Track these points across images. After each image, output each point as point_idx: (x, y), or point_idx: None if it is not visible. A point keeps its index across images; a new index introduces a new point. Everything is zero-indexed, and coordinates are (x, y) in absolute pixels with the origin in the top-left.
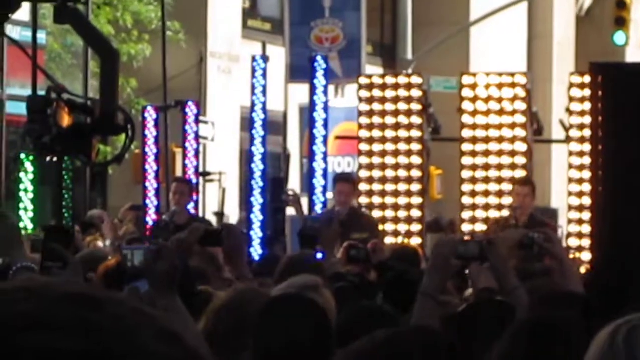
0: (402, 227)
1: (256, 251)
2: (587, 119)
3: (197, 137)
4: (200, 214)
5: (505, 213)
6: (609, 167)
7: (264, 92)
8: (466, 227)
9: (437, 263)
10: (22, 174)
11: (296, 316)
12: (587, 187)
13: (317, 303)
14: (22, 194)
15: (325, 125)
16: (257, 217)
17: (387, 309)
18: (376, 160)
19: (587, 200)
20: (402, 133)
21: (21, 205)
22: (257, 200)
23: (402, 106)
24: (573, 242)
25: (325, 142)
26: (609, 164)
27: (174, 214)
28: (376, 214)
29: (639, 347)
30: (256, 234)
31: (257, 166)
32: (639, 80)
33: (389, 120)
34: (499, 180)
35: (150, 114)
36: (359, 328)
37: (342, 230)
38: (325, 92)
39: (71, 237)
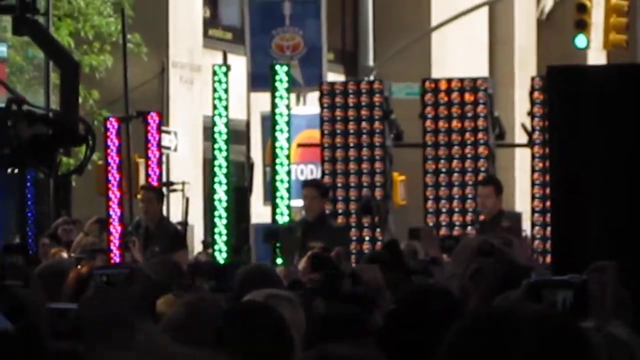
0: (367, 232)
1: (220, 260)
2: None
3: (160, 147)
4: None
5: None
6: (565, 168)
7: (226, 101)
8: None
9: None
10: None
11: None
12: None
13: (276, 311)
14: None
15: (288, 133)
16: (221, 226)
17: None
18: (339, 166)
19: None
20: (365, 139)
21: None
22: (221, 209)
23: (364, 113)
24: (538, 245)
25: (287, 149)
26: (565, 165)
27: (138, 225)
28: (340, 220)
29: None
30: (220, 243)
31: (221, 175)
32: (596, 82)
33: (351, 126)
34: (462, 185)
35: (112, 125)
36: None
37: (305, 237)
38: (287, 100)
39: (29, 254)
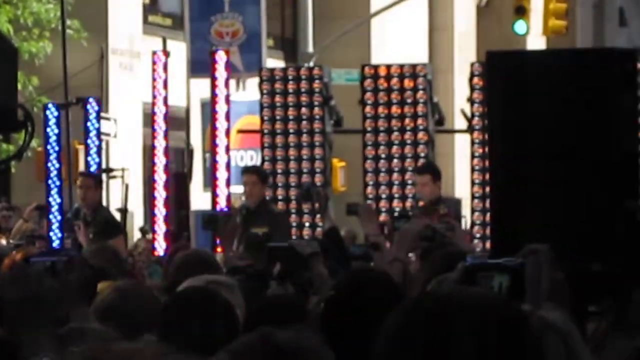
0: (307, 218)
1: (160, 246)
2: None
3: (99, 133)
4: None
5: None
6: (503, 154)
7: (165, 87)
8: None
9: None
10: None
11: (202, 310)
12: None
13: (223, 297)
14: None
15: (227, 119)
16: (160, 212)
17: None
18: (279, 153)
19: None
20: (304, 125)
21: None
22: (160, 195)
23: (303, 99)
24: (477, 231)
25: (227, 135)
26: (503, 151)
27: (77, 212)
28: (280, 206)
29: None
30: (160, 229)
31: (160, 161)
32: (536, 67)
33: (291, 113)
34: (402, 171)
35: (52, 112)
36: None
37: (246, 223)
38: (227, 86)
39: None
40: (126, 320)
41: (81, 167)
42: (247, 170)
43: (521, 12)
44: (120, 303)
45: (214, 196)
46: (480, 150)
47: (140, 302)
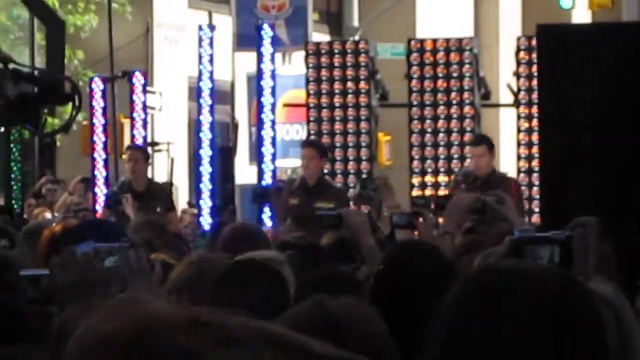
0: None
1: (205, 220)
2: (535, 82)
3: (145, 107)
4: None
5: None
6: (554, 129)
7: (211, 61)
8: (416, 192)
9: None
10: None
11: (257, 282)
12: (536, 151)
13: (279, 271)
14: None
15: (273, 93)
16: (206, 186)
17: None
18: (325, 127)
19: (536, 164)
20: (350, 99)
21: None
22: (205, 169)
23: (349, 73)
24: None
25: (273, 110)
26: (554, 126)
27: (123, 185)
28: None
29: None
30: (205, 203)
31: (206, 135)
32: (585, 41)
33: (337, 87)
34: (448, 145)
35: (98, 85)
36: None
37: (307, 198)
38: (272, 60)
39: (13, 214)
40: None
41: (127, 140)
42: (306, 144)
43: None
44: (198, 277)
45: (260, 170)
46: (527, 125)
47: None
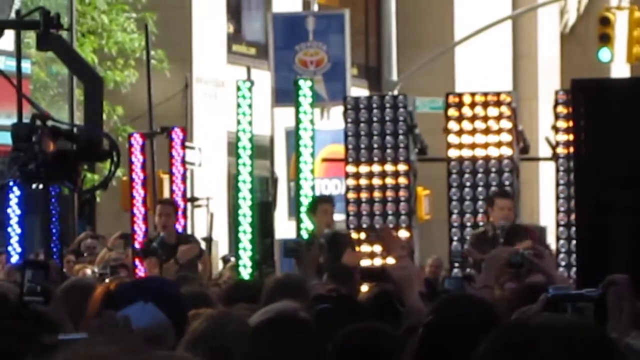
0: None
1: (242, 276)
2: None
3: (184, 162)
4: None
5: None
6: (589, 183)
7: (250, 116)
8: (455, 246)
9: None
10: (9, 203)
11: (292, 336)
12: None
13: (309, 323)
14: (10, 222)
15: (312, 148)
16: (246, 241)
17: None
18: (363, 181)
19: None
20: (389, 154)
21: (10, 233)
22: (245, 224)
23: (388, 127)
24: (562, 259)
25: (312, 164)
26: (589, 180)
27: (162, 240)
28: (364, 235)
29: None
30: (245, 257)
31: (245, 190)
32: (620, 95)
33: (375, 141)
34: (487, 199)
35: (137, 141)
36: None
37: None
38: (311, 115)
39: (48, 270)
40: (220, 349)
41: (166, 195)
42: (326, 200)
43: (605, 39)
44: (213, 331)
45: (298, 225)
46: (565, 178)
47: (233, 329)
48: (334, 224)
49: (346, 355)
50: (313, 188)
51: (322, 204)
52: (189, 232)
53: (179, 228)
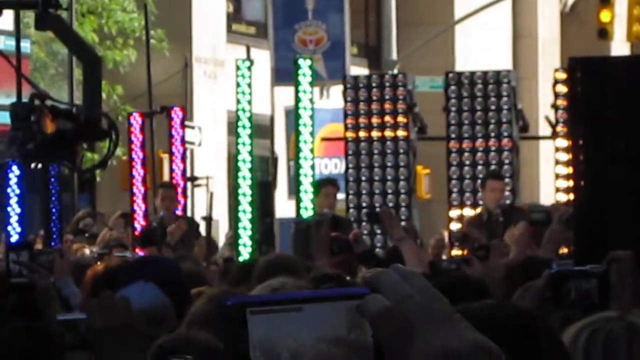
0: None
1: (242, 255)
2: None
3: (184, 142)
4: None
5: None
6: (588, 160)
7: (250, 96)
8: (454, 225)
9: None
10: (9, 182)
11: None
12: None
13: None
14: (9, 202)
15: (312, 127)
16: (245, 220)
17: None
18: (363, 160)
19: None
20: (389, 133)
21: (10, 212)
22: (245, 203)
23: (387, 106)
24: None
25: (311, 143)
26: (587, 157)
27: (162, 219)
28: (363, 214)
29: (597, 352)
30: (245, 237)
31: (245, 169)
32: (618, 73)
33: (375, 120)
34: (487, 178)
35: (136, 120)
36: None
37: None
38: (310, 94)
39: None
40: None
41: (165, 175)
42: (329, 183)
43: (605, 18)
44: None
45: (298, 204)
46: (565, 157)
47: None
48: (335, 206)
49: None
50: (313, 167)
51: (324, 187)
52: (188, 211)
53: (179, 207)
